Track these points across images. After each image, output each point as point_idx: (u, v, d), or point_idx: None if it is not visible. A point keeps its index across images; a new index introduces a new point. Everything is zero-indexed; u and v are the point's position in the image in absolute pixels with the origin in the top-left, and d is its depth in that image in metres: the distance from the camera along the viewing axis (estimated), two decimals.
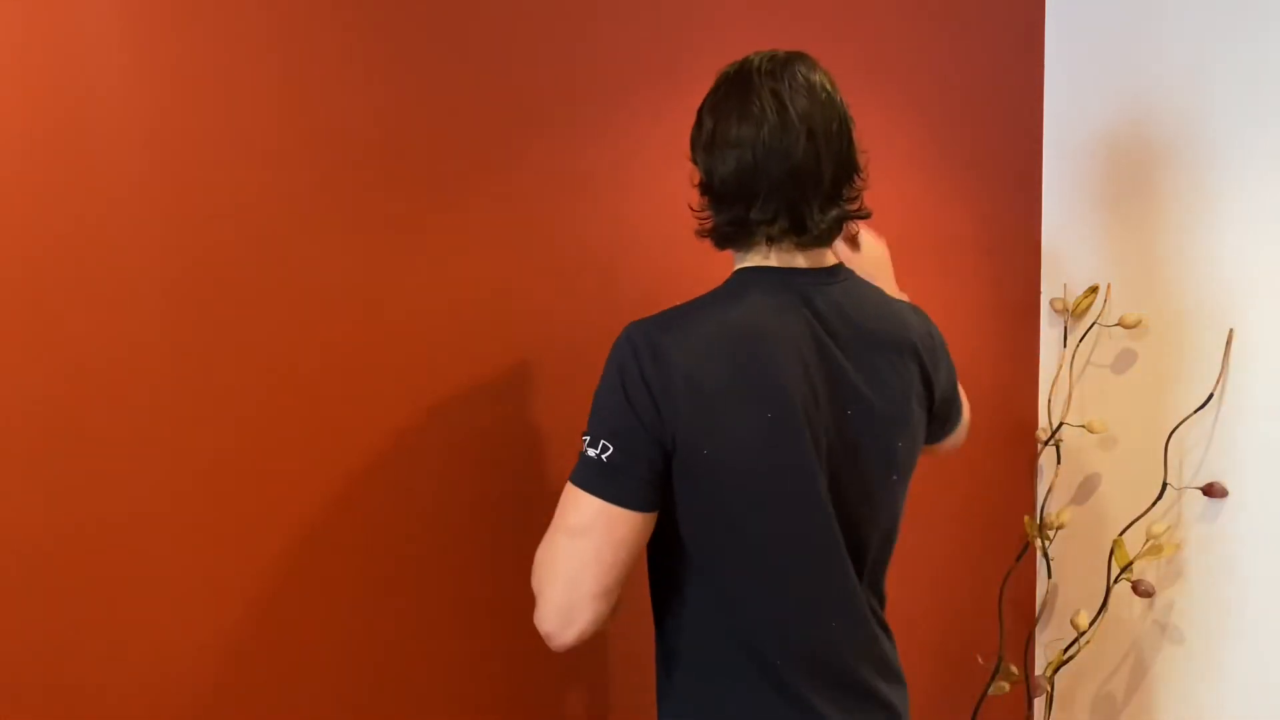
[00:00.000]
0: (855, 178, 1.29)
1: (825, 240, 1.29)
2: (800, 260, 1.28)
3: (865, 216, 1.32)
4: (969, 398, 2.16)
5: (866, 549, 1.30)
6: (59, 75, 1.14)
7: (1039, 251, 2.31)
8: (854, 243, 1.53)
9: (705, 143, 1.27)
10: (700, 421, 1.18)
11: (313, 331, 1.33)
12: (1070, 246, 2.27)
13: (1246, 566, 2.07)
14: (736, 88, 1.26)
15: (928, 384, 1.34)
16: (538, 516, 1.51)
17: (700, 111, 1.30)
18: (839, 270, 1.31)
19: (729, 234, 1.28)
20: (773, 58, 1.27)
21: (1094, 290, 2.21)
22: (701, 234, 1.31)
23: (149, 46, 1.20)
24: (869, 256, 1.53)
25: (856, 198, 1.30)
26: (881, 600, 1.35)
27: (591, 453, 1.19)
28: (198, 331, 1.24)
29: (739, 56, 1.73)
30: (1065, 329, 2.27)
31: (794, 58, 1.27)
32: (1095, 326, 2.22)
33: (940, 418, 1.42)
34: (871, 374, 1.27)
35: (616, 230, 1.59)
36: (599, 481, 1.18)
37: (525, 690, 1.53)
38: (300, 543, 1.33)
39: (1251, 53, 2.04)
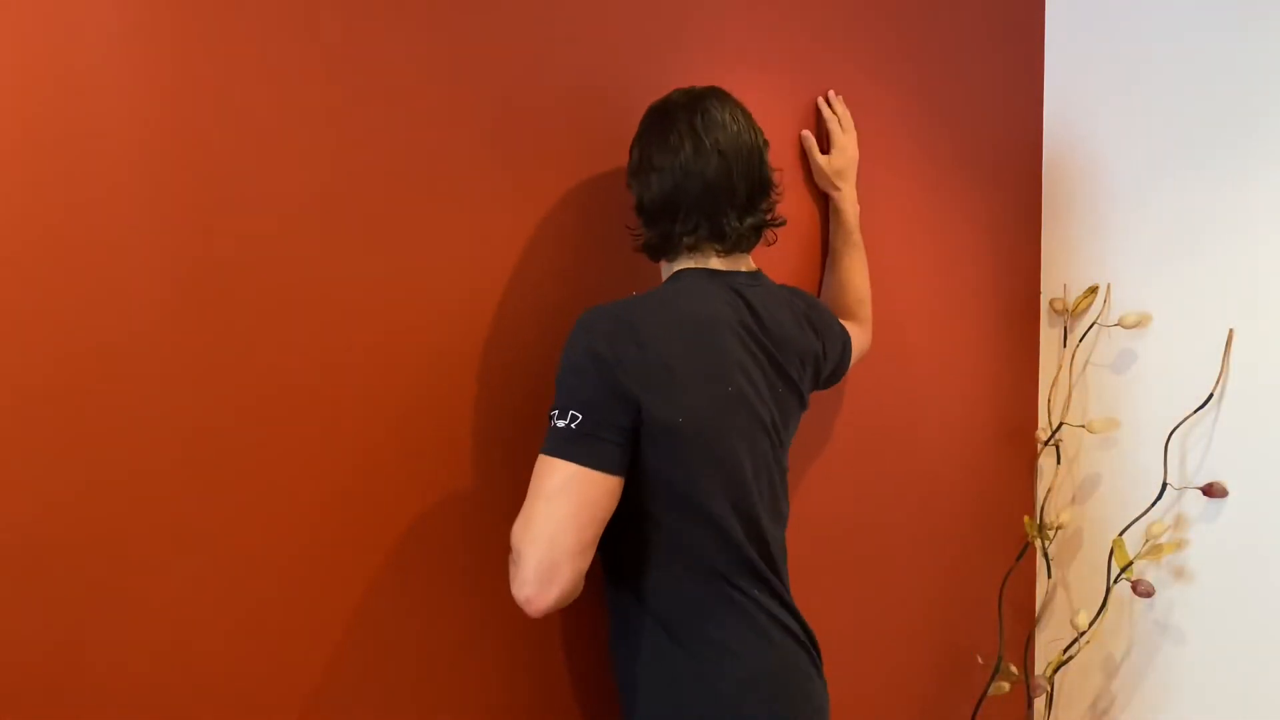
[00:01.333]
0: (770, 192, 1.50)
1: (744, 246, 1.49)
2: (721, 264, 1.47)
3: (780, 224, 1.53)
4: (969, 397, 2.17)
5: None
6: (60, 71, 1.14)
7: (1039, 251, 2.31)
8: (826, 142, 1.83)
9: (634, 169, 1.47)
10: (670, 397, 1.34)
11: (315, 330, 1.33)
12: (1070, 246, 2.27)
13: (1246, 566, 2.07)
14: (658, 122, 1.46)
15: (816, 379, 1.62)
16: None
17: (632, 144, 1.48)
18: (760, 275, 1.52)
19: (658, 246, 1.48)
20: (689, 93, 1.48)
21: (1094, 290, 2.21)
22: (636, 249, 1.50)
23: (152, 45, 1.20)
24: (846, 155, 1.83)
25: (770, 209, 1.51)
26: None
27: (560, 424, 1.31)
28: (201, 331, 1.24)
29: (738, 59, 1.75)
30: (1065, 329, 2.27)
31: (708, 93, 1.47)
32: (1095, 326, 2.22)
33: (830, 380, 1.70)
34: (788, 361, 1.50)
35: (623, 236, 1.59)
36: (569, 448, 1.30)
37: (527, 689, 1.54)
38: (303, 543, 1.33)
39: (1250, 52, 2.05)
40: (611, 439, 1.31)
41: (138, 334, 1.20)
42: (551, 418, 1.32)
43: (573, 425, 1.30)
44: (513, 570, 1.31)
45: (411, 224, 1.41)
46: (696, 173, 1.42)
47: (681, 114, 1.44)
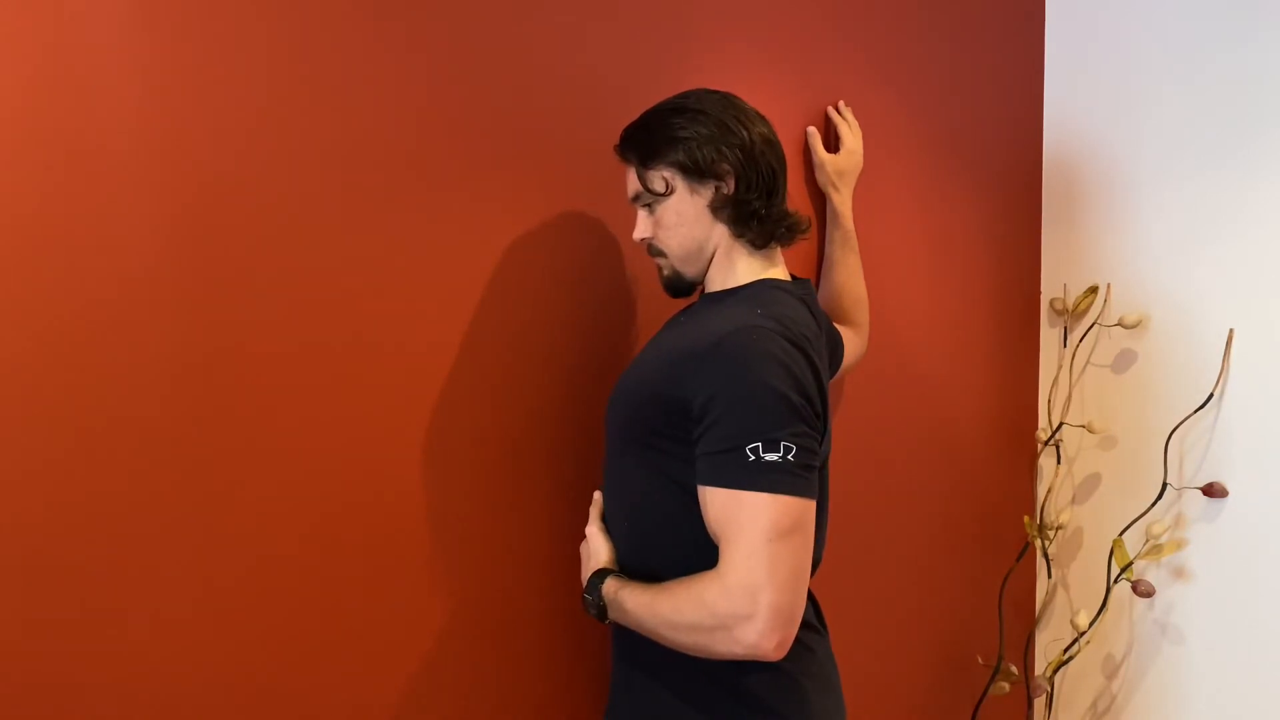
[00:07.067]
0: None
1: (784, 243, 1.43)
2: (778, 270, 1.42)
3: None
4: (969, 397, 2.17)
5: None
6: (59, 70, 1.14)
7: (1039, 251, 2.31)
8: (835, 143, 1.82)
9: (742, 145, 1.36)
10: (826, 425, 1.32)
11: (313, 330, 1.33)
12: (1070, 246, 2.27)
13: (1246, 566, 2.07)
14: (720, 103, 1.38)
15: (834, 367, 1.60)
16: (535, 517, 1.52)
17: (705, 132, 1.36)
18: (809, 284, 1.47)
19: (760, 232, 1.39)
20: (700, 90, 1.42)
21: (1094, 290, 2.21)
22: (737, 239, 1.40)
23: (151, 43, 1.20)
24: (854, 158, 1.82)
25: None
26: None
27: (772, 457, 1.22)
28: (199, 329, 1.24)
29: (740, 59, 1.74)
30: (1065, 329, 2.27)
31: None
32: (1095, 326, 2.22)
33: None
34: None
35: (622, 235, 1.60)
36: (794, 482, 1.22)
37: (525, 693, 1.54)
38: (301, 543, 1.33)
39: (1250, 54, 2.05)
40: (814, 464, 1.26)
41: (139, 332, 1.20)
42: (751, 451, 1.22)
43: (789, 457, 1.22)
44: (742, 624, 1.21)
45: (410, 224, 1.41)
46: (778, 145, 1.40)
47: (721, 98, 1.39)
